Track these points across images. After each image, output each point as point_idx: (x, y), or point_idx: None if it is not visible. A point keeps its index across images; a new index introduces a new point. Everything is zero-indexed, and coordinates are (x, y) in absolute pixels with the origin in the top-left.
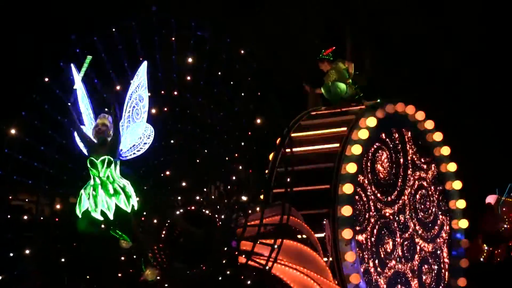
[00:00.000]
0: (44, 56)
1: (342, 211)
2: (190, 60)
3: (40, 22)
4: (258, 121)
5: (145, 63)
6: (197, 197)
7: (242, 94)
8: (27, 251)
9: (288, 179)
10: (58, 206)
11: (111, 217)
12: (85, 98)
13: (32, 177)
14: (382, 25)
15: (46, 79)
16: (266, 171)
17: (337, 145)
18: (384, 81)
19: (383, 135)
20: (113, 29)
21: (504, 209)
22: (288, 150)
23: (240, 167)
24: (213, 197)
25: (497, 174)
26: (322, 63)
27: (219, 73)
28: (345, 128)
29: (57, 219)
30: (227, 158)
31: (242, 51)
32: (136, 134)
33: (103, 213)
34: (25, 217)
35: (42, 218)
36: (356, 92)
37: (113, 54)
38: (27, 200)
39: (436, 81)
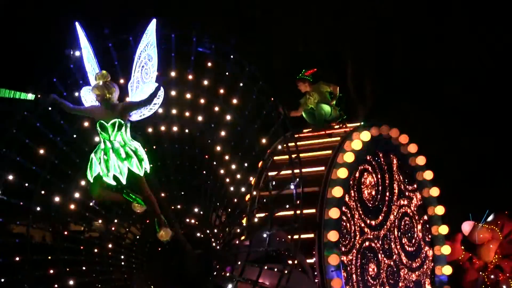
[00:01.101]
0: (35, 70)
1: (328, 236)
2: (190, 77)
3: (31, 35)
4: (264, 141)
5: (154, 21)
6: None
7: (246, 112)
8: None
9: (298, 201)
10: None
11: (123, 181)
12: (92, 58)
13: (23, 198)
14: (382, 53)
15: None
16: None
17: (322, 168)
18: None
19: (369, 158)
20: (110, 44)
21: (481, 235)
22: (296, 170)
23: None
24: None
25: (477, 201)
26: (303, 83)
27: (221, 91)
28: (330, 151)
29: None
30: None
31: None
32: (145, 95)
33: (115, 178)
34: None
35: (33, 242)
36: (339, 115)
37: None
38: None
39: (428, 109)
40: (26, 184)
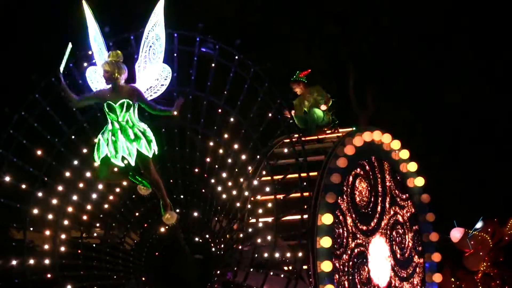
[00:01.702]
0: (35, 70)
1: (321, 243)
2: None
3: (29, 34)
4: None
5: (162, 0)
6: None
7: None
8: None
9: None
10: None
11: (132, 163)
12: (98, 37)
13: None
14: (384, 62)
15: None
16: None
17: (315, 173)
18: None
19: (361, 163)
20: (110, 43)
21: (472, 242)
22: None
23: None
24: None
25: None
26: (297, 85)
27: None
28: (322, 156)
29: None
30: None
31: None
32: (153, 75)
33: (123, 159)
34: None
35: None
36: (332, 119)
37: None
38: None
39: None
40: (24, 186)
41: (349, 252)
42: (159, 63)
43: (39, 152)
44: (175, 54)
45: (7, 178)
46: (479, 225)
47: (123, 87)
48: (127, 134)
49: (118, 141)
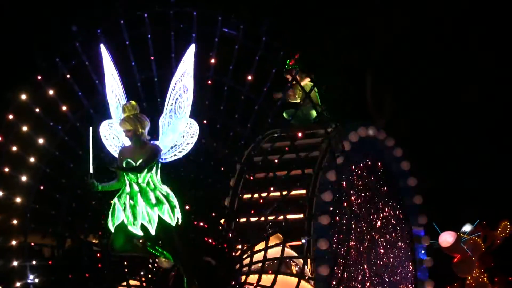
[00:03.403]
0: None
1: (317, 244)
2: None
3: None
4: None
5: (193, 46)
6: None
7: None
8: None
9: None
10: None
11: (153, 232)
12: (117, 86)
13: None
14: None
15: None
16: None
17: (310, 170)
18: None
19: (357, 160)
20: (121, 21)
21: (465, 247)
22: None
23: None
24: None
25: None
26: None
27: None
28: (317, 152)
29: None
30: None
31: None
32: (178, 132)
33: (143, 227)
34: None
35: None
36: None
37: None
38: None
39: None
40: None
41: (343, 253)
42: (186, 118)
43: (41, 141)
44: (193, 35)
45: (6, 169)
46: (467, 228)
47: (146, 144)
48: (147, 198)
49: (137, 205)
